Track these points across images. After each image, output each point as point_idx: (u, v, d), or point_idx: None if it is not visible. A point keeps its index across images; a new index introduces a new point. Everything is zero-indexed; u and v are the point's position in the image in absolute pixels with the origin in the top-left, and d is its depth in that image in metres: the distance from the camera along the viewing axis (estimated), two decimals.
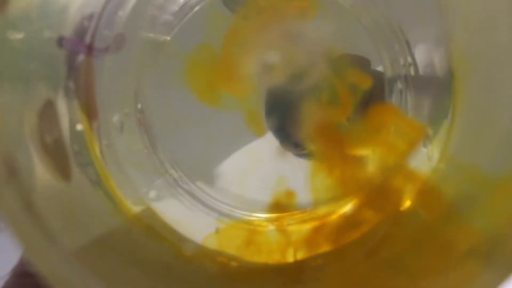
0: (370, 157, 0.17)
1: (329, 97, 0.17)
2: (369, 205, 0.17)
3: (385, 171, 0.17)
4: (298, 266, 0.16)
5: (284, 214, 0.18)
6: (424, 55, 0.17)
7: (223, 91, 0.18)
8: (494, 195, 0.13)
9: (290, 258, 0.17)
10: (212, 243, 0.16)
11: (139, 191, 0.17)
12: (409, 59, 0.17)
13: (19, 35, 0.13)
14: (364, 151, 0.17)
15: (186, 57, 0.17)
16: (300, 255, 0.17)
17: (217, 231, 0.17)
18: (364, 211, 0.17)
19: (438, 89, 0.17)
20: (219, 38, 0.17)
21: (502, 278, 0.11)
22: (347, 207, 0.17)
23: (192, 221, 0.17)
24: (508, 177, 0.13)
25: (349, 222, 0.17)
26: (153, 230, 0.16)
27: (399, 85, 0.17)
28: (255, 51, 0.17)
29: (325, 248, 0.17)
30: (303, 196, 0.18)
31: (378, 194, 0.17)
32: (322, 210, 0.17)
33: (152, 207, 0.17)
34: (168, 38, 0.18)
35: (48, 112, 0.14)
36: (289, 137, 0.18)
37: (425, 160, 0.16)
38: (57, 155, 0.14)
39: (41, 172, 0.14)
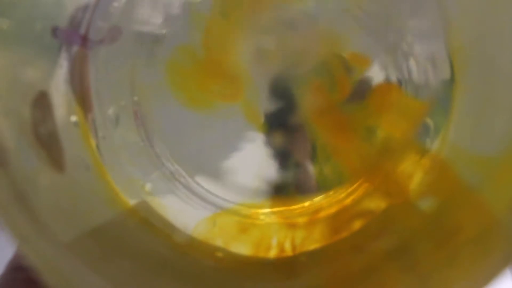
0: (374, 139, 0.17)
1: (326, 79, 0.17)
2: (374, 192, 0.16)
3: (390, 152, 0.17)
4: (294, 260, 0.16)
5: (284, 207, 0.18)
6: (423, 45, 0.17)
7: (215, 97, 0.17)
8: (498, 176, 0.13)
9: (288, 252, 0.16)
10: (205, 235, 0.16)
11: (135, 183, 0.17)
12: (407, 49, 0.17)
13: (10, 24, 0.13)
14: (367, 133, 0.17)
15: (166, 63, 0.17)
16: (299, 249, 0.16)
17: (214, 223, 0.17)
18: (368, 199, 0.16)
19: (438, 79, 0.17)
20: (199, 37, 0.17)
21: (504, 263, 0.11)
22: (351, 198, 0.17)
23: (188, 214, 0.17)
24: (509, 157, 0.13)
25: (352, 212, 0.17)
26: (148, 222, 0.16)
27: (399, 75, 0.17)
28: (243, 41, 0.17)
29: (325, 240, 0.16)
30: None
31: (384, 179, 0.16)
32: (323, 202, 0.17)
33: (148, 200, 0.16)
34: (165, 31, 0.18)
35: (41, 103, 0.14)
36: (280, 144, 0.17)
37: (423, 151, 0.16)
38: (51, 146, 0.14)
39: (34, 163, 0.13)
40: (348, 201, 0.17)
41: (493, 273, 0.11)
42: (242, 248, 0.16)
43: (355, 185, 0.17)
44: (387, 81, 0.17)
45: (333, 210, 0.17)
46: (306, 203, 0.17)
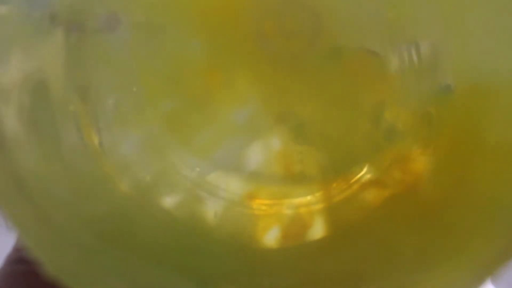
0: (380, 122, 0.17)
1: None
2: (378, 180, 0.16)
3: (396, 137, 0.16)
4: (296, 250, 0.16)
5: (285, 198, 0.17)
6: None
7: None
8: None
9: (288, 243, 0.16)
10: (205, 224, 0.16)
11: (135, 174, 0.16)
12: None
13: (8, 11, 0.13)
14: (372, 115, 0.17)
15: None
16: (300, 240, 0.16)
17: (215, 213, 0.17)
18: (371, 189, 0.16)
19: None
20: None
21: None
22: (354, 187, 0.17)
23: (190, 204, 0.17)
24: None
25: (355, 202, 0.16)
26: (149, 212, 0.15)
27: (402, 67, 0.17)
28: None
29: (326, 232, 0.16)
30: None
31: (390, 165, 0.16)
32: (327, 193, 0.17)
33: (149, 190, 0.16)
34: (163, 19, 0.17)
35: (40, 91, 0.14)
36: None
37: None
38: (49, 135, 0.14)
39: (32, 151, 0.13)
40: (351, 191, 0.17)
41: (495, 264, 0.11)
42: (242, 237, 0.16)
43: (359, 175, 0.17)
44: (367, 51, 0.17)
45: (336, 200, 0.17)
46: (309, 195, 0.17)
